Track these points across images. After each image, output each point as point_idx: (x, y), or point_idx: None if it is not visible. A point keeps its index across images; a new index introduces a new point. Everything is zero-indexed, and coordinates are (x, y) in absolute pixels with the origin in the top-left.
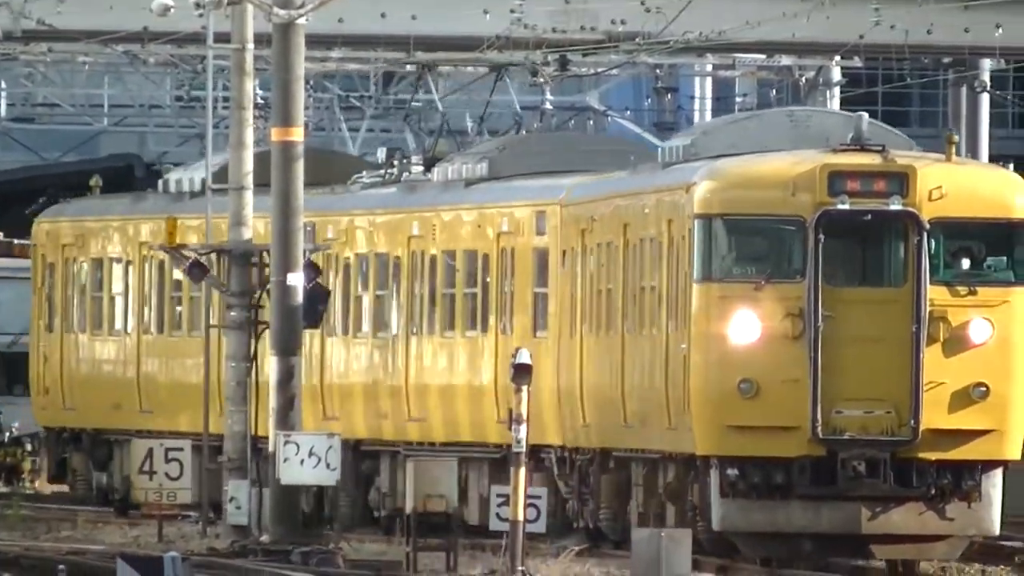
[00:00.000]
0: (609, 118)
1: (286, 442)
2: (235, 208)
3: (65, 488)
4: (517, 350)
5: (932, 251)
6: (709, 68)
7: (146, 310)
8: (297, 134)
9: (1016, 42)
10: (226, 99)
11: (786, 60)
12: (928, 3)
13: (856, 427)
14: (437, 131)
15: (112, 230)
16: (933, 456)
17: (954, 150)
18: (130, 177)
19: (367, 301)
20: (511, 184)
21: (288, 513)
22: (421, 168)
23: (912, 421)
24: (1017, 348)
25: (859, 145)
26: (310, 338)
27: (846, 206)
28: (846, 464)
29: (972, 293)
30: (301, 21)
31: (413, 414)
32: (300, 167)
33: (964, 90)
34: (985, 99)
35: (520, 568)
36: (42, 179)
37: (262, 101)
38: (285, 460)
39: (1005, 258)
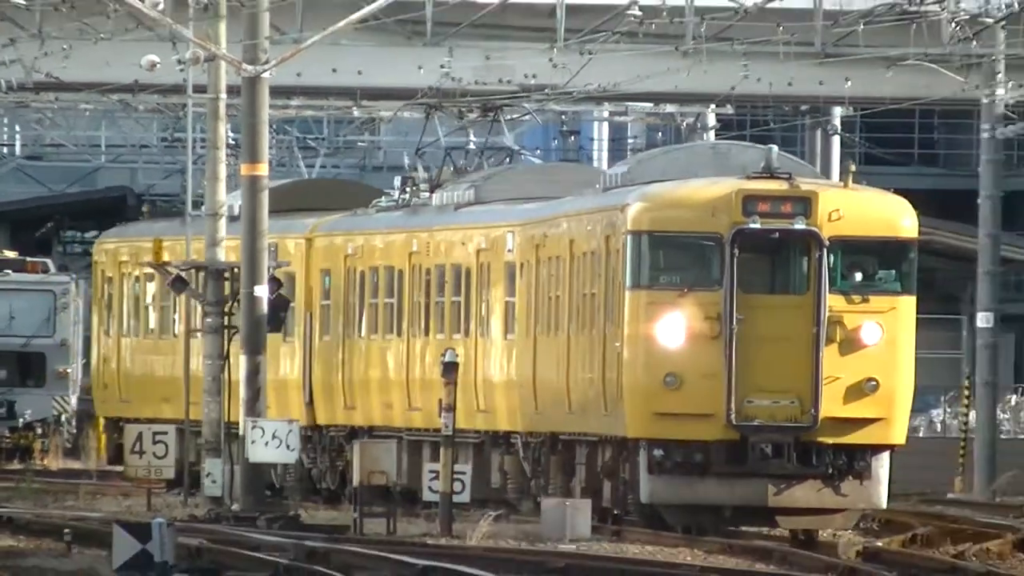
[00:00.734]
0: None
1: (253, 427)
2: (210, 231)
3: (77, 465)
4: (446, 350)
5: (831, 265)
6: (606, 114)
7: (173, 317)
8: (263, 169)
9: (862, 93)
10: (203, 140)
11: (670, 108)
12: (789, 59)
13: (765, 415)
14: (441, 162)
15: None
16: (830, 440)
17: (851, 178)
18: (123, 205)
19: (380, 307)
20: (490, 208)
21: (255, 486)
22: (427, 194)
23: (813, 410)
24: (903, 348)
25: (769, 173)
26: (333, 340)
27: (757, 225)
28: (755, 447)
29: (865, 301)
30: (265, 75)
31: (414, 404)
32: (265, 196)
33: (819, 133)
34: (836, 140)
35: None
36: (50, 208)
37: (233, 142)
38: (252, 442)
39: (893, 271)
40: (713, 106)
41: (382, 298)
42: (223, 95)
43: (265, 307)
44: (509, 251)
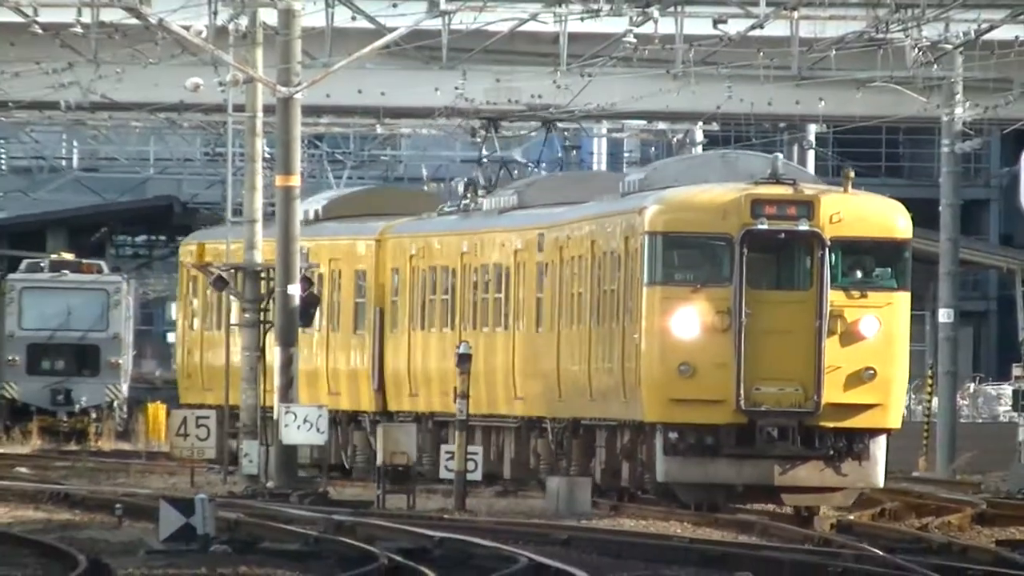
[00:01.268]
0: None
1: (286, 412)
2: (248, 235)
3: (127, 447)
4: (461, 342)
5: (832, 263)
6: (604, 131)
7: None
8: (295, 180)
9: (835, 112)
10: (242, 154)
11: (662, 125)
12: (768, 82)
13: (771, 401)
14: (498, 170)
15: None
16: (831, 424)
17: (850, 184)
18: (170, 213)
19: (437, 303)
20: (529, 212)
21: (288, 465)
22: (483, 200)
23: (815, 397)
24: (898, 340)
25: (775, 179)
26: (400, 333)
27: (765, 226)
28: (763, 430)
29: (863, 296)
30: (298, 96)
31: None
32: (297, 205)
33: (795, 148)
34: (811, 155)
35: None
36: (103, 215)
37: (268, 155)
38: (286, 426)
39: (890, 269)
40: (701, 123)
41: (439, 295)
42: (260, 114)
43: (297, 303)
44: (540, 251)
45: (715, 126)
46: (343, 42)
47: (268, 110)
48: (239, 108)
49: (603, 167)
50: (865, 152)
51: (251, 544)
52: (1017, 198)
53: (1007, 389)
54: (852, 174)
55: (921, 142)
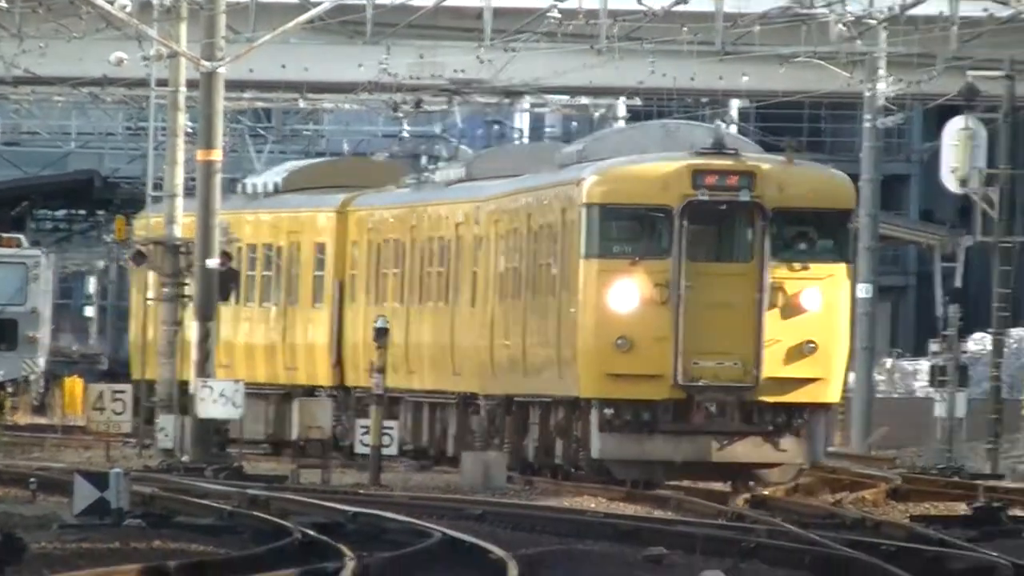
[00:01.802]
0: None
1: (203, 386)
2: (168, 210)
3: (43, 421)
4: (377, 317)
5: (773, 234)
6: (527, 106)
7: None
8: (216, 155)
9: (758, 87)
10: (164, 128)
11: (584, 100)
12: (691, 57)
13: (710, 376)
14: (456, 143)
15: None
16: (771, 399)
17: (793, 155)
18: (91, 187)
19: (390, 277)
20: (473, 185)
21: (203, 439)
22: (438, 171)
23: (755, 371)
24: (840, 313)
25: (717, 150)
26: (356, 308)
27: (705, 197)
28: (701, 405)
29: (805, 268)
30: (221, 71)
31: (412, 368)
32: (218, 180)
33: (718, 123)
34: (734, 130)
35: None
36: (24, 189)
37: (190, 130)
38: (202, 399)
39: (832, 241)
40: (624, 98)
41: (391, 268)
42: (183, 88)
43: (216, 278)
44: (476, 224)
45: (638, 101)
46: (267, 17)
47: (191, 85)
48: (162, 83)
49: (525, 143)
50: (788, 127)
51: (165, 518)
52: (938, 174)
53: (924, 365)
54: (794, 144)
55: (843, 117)
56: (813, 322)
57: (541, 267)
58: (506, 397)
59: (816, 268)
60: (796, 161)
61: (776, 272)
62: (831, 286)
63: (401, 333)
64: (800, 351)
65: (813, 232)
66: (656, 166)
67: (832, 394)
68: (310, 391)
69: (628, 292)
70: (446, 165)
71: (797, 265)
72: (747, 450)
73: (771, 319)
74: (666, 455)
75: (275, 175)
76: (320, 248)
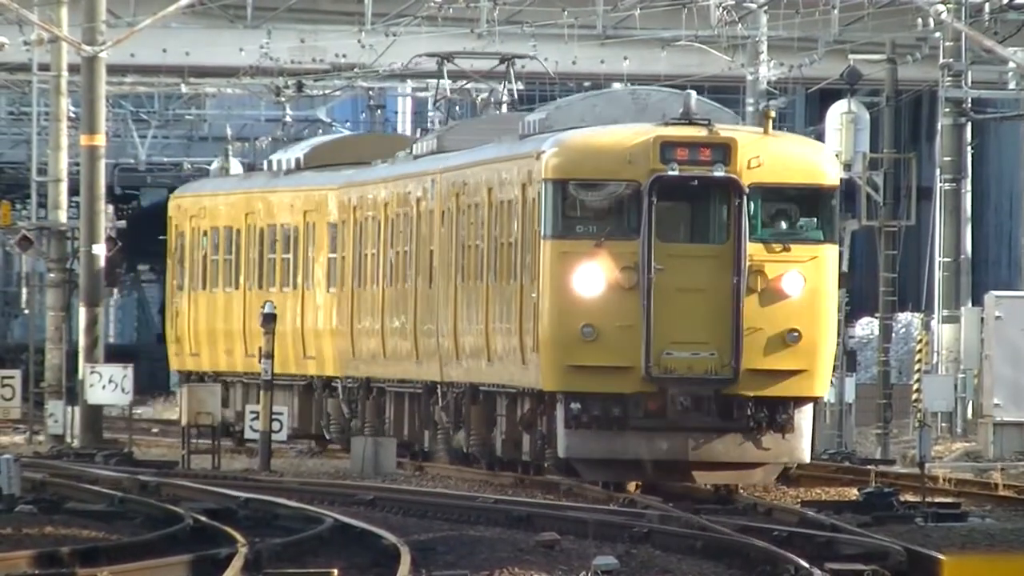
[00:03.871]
0: (334, 127)
1: (91, 371)
2: (52, 195)
3: None
4: (265, 302)
5: (751, 212)
6: (409, 90)
7: (245, 269)
8: (100, 140)
9: (639, 71)
10: (47, 113)
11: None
12: (572, 40)
13: (683, 367)
14: (445, 118)
15: (221, 204)
16: (751, 393)
17: (771, 124)
18: None
19: (371, 257)
20: (436, 157)
21: (93, 425)
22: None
23: (733, 362)
24: (825, 298)
25: (688, 119)
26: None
27: (676, 172)
28: (674, 400)
29: (786, 250)
30: (102, 55)
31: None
32: (102, 164)
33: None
34: None
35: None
36: None
37: (73, 115)
38: (91, 385)
39: (815, 219)
40: (505, 83)
41: (370, 248)
42: (64, 73)
43: (102, 263)
44: (432, 199)
45: (520, 84)
46: (148, 1)
47: (73, 69)
48: (44, 67)
49: (408, 127)
50: None
51: (57, 504)
52: None
53: None
54: (772, 113)
55: (726, 102)
56: (796, 308)
57: (503, 247)
58: (471, 386)
59: (798, 249)
60: (774, 132)
61: (754, 254)
62: (815, 269)
63: (377, 321)
64: (782, 340)
65: (794, 210)
66: (622, 137)
67: (818, 387)
68: (327, 383)
69: (593, 276)
70: (424, 137)
71: (777, 246)
72: (726, 449)
73: (750, 305)
74: (638, 454)
75: (298, 151)
76: (333, 227)
